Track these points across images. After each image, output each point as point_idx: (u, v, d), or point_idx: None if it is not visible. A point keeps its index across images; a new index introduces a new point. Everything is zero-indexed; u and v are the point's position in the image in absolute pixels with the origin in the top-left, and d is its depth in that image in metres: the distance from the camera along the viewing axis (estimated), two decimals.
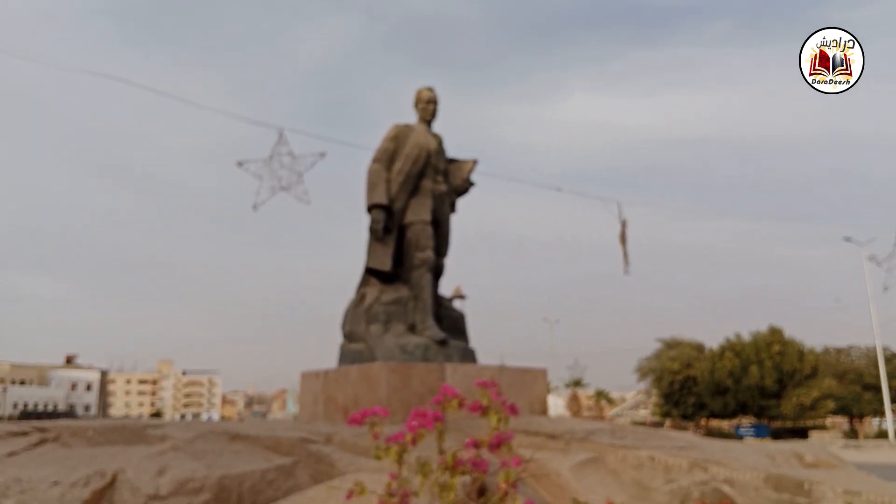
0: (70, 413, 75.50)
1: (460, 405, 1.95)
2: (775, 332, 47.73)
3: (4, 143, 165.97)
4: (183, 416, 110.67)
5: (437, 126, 8.25)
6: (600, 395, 78.95)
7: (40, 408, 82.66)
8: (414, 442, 1.85)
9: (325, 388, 7.54)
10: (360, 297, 7.95)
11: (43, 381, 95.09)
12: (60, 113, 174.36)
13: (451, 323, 7.95)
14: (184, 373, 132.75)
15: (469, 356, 7.74)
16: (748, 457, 5.56)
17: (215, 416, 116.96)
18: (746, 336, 49.05)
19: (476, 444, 1.93)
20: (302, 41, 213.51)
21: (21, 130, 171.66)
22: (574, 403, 65.84)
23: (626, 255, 15.83)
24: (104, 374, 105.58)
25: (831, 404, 45.28)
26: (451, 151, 8.37)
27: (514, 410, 1.97)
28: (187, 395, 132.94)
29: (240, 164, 11.86)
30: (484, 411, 1.99)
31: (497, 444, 1.93)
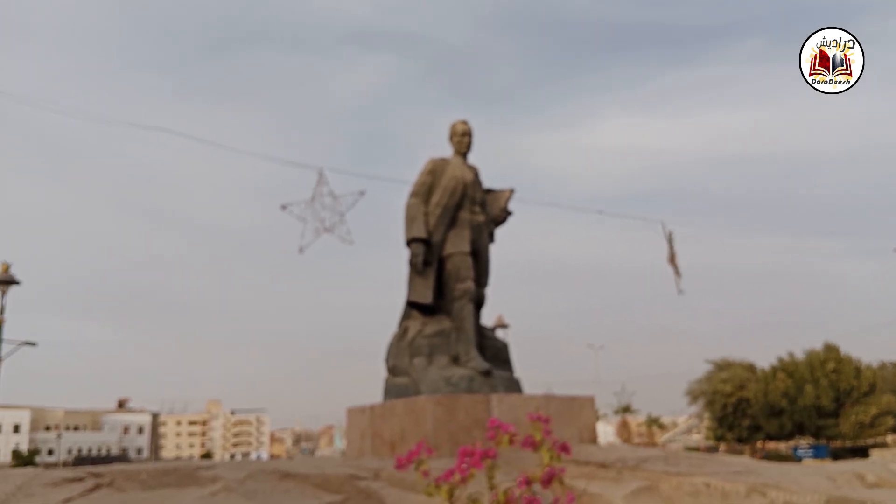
0: (123, 457, 76.65)
1: (511, 441, 1.92)
2: (831, 350, 46.38)
3: (57, 195, 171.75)
4: (233, 456, 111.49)
5: (473, 157, 8.30)
6: (651, 420, 77.37)
7: (94, 453, 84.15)
8: (464, 481, 1.83)
9: (371, 424, 7.53)
10: (402, 330, 7.97)
11: (96, 426, 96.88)
12: (108, 163, 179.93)
13: (494, 353, 7.90)
14: (232, 412, 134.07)
15: (514, 386, 7.67)
16: (807, 479, 5.38)
17: (264, 454, 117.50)
18: (799, 355, 47.77)
19: (528, 481, 1.90)
20: (337, 81, 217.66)
21: (71, 182, 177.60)
22: (624, 430, 64.67)
23: (677, 274, 15.52)
24: (155, 416, 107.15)
25: (891, 421, 43.74)
26: (489, 182, 8.41)
27: (565, 449, 1.94)
28: (236, 435, 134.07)
29: (284, 207, 12.05)
30: (536, 447, 1.96)
31: (549, 480, 1.90)
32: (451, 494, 1.79)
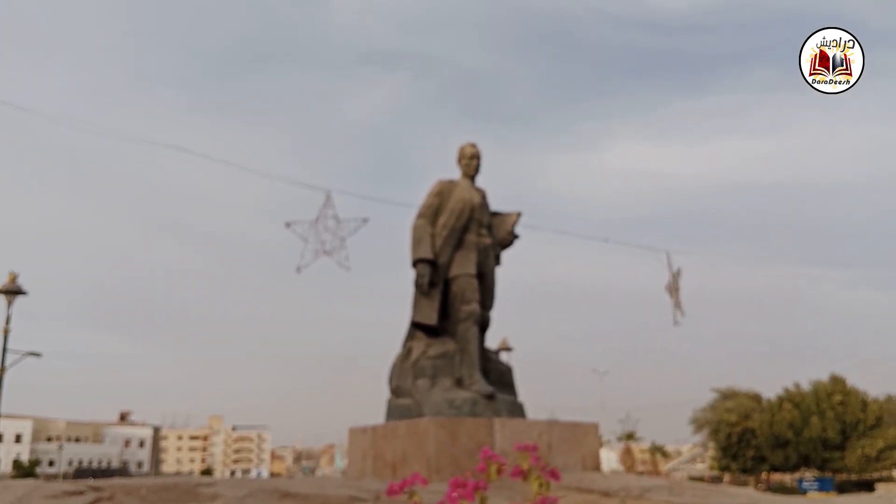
0: (124, 470, 76.34)
1: (499, 472, 1.91)
2: (837, 382, 46.01)
3: (76, 209, 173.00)
4: (233, 473, 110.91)
5: (482, 179, 8.34)
6: (655, 448, 76.64)
7: (95, 465, 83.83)
8: None
9: (373, 445, 7.50)
10: (406, 351, 7.96)
11: (97, 438, 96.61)
12: (124, 179, 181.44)
13: (498, 376, 7.87)
14: (234, 428, 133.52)
15: (517, 410, 7.64)
16: None
17: (264, 472, 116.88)
18: (805, 385, 47.40)
19: None
20: (349, 101, 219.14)
21: (89, 197, 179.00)
22: (627, 458, 64.04)
23: (677, 305, 15.49)
24: (157, 430, 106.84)
25: None
26: (497, 204, 8.43)
27: (554, 475, 1.92)
28: (237, 451, 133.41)
29: (288, 224, 12.10)
30: (524, 476, 1.94)
31: None
32: None
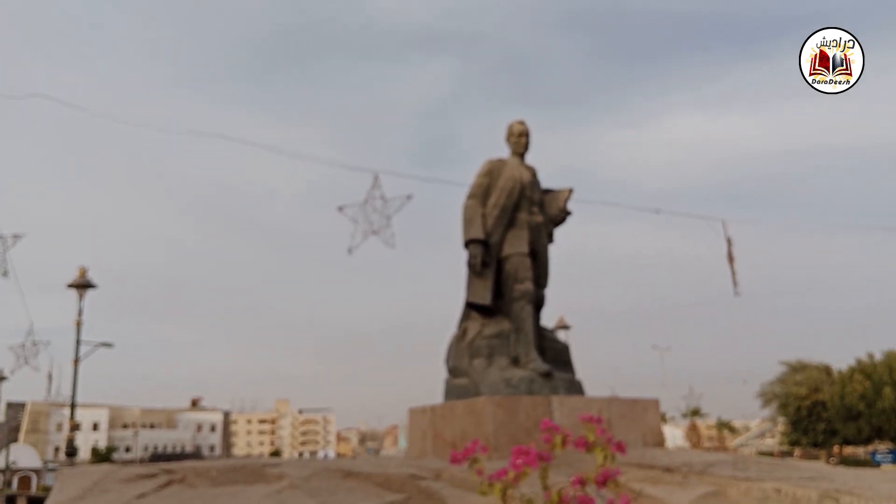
0: (196, 454, 78.95)
1: (564, 443, 1.92)
2: None
3: (138, 204, 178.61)
4: (301, 455, 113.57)
5: (532, 158, 8.26)
6: (722, 424, 75.33)
7: (169, 450, 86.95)
8: (517, 479, 1.83)
9: (432, 424, 7.58)
10: (461, 331, 7.99)
11: (171, 424, 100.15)
12: (183, 173, 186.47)
13: (555, 354, 7.84)
14: (300, 411, 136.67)
15: (576, 388, 7.60)
16: (883, 485, 5.16)
17: (331, 453, 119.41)
18: (878, 355, 45.77)
19: (582, 482, 1.89)
20: (396, 86, 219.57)
21: (151, 191, 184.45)
22: (693, 434, 63.19)
23: (734, 275, 15.18)
24: (227, 415, 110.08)
25: None
26: (549, 182, 8.35)
27: (620, 448, 1.92)
28: (304, 434, 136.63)
29: (340, 209, 12.32)
30: (589, 448, 1.95)
31: (603, 481, 1.88)
32: (504, 493, 1.80)
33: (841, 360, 50.73)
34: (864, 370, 45.03)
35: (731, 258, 15.21)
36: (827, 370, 48.98)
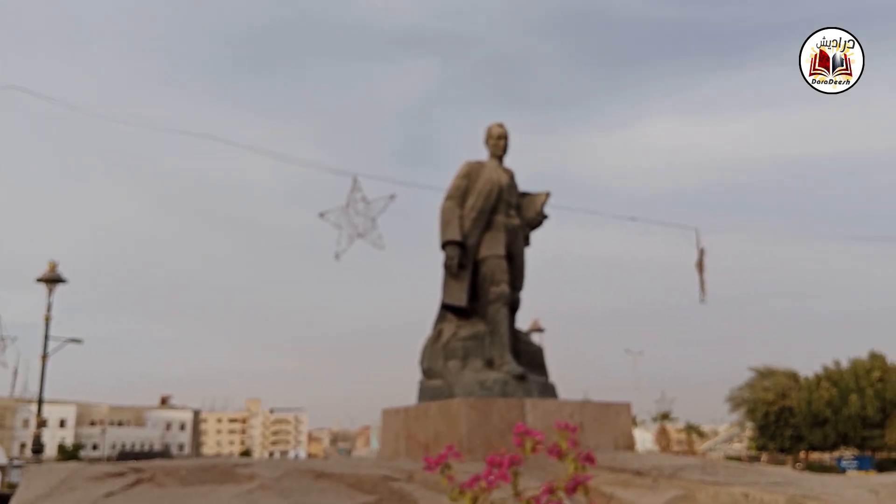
0: (165, 452, 78.10)
1: (534, 449, 1.93)
2: (876, 358, 45.17)
3: (112, 198, 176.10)
4: (271, 455, 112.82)
5: (510, 161, 8.29)
6: (691, 428, 76.12)
7: (137, 448, 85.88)
8: (488, 488, 1.84)
9: (405, 426, 7.57)
10: (437, 333, 7.99)
11: (139, 422, 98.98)
12: (160, 168, 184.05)
13: (529, 357, 7.87)
14: (271, 411, 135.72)
15: (549, 391, 7.64)
16: (849, 491, 5.26)
17: (302, 453, 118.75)
18: (844, 363, 46.61)
19: (551, 490, 1.90)
20: (379, 86, 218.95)
21: (127, 186, 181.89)
22: (663, 438, 63.74)
23: (702, 283, 15.39)
24: (197, 413, 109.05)
25: None
26: (526, 185, 8.39)
27: (590, 459, 1.93)
28: (275, 433, 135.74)
29: (321, 214, 12.28)
30: (560, 456, 1.96)
31: (573, 488, 1.89)
32: (474, 501, 1.80)
33: (808, 367, 51.61)
34: (830, 377, 45.85)
35: (700, 266, 15.41)
36: (794, 376, 49.80)
